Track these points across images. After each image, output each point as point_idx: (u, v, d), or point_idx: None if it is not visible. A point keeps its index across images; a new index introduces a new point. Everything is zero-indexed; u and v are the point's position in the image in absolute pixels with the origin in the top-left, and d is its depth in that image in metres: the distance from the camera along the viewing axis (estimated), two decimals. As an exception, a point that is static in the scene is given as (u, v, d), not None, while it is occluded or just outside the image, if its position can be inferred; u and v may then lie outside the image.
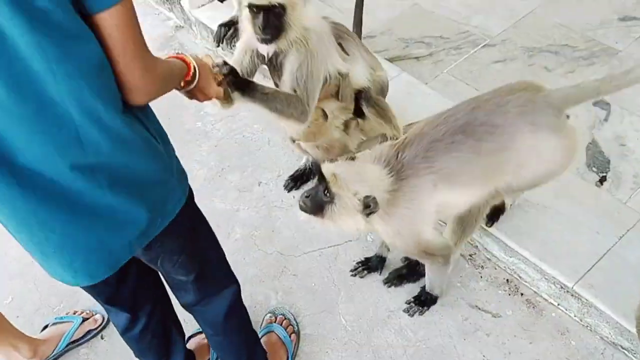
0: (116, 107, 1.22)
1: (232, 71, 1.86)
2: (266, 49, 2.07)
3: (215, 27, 2.76)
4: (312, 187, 1.85)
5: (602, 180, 2.74)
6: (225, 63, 1.81)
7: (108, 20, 1.14)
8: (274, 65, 2.14)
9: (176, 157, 1.51)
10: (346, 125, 2.43)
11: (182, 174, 1.53)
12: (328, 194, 1.77)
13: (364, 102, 2.41)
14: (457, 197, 1.85)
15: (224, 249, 1.81)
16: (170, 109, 3.27)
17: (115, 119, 1.22)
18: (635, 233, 2.08)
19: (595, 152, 2.87)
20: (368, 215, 1.77)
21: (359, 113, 2.44)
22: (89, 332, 2.36)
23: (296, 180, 2.86)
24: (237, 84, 1.95)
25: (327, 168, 1.79)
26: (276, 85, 2.22)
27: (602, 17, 3.62)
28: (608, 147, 2.87)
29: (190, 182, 2.82)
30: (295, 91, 2.07)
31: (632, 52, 3.36)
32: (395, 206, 1.80)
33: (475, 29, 3.69)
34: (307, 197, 1.82)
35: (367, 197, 1.75)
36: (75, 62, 1.11)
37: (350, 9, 3.00)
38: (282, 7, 1.94)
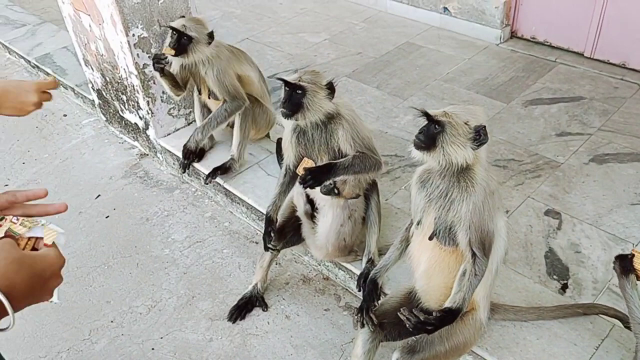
0: None
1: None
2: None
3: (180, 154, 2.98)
4: (420, 130, 1.89)
5: (564, 287, 2.85)
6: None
7: None
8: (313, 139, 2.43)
9: None
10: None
11: None
12: (438, 126, 1.83)
13: None
14: None
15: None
16: (137, 237, 3.25)
17: None
18: (610, 341, 2.15)
19: (554, 260, 3.00)
20: (478, 146, 1.84)
21: None
22: None
23: (241, 309, 2.80)
24: (318, 177, 2.29)
25: (432, 111, 1.87)
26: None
27: (541, 133, 3.94)
28: (565, 255, 3.02)
29: (158, 312, 2.80)
30: (359, 152, 2.38)
31: (572, 164, 3.64)
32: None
33: (427, 147, 3.91)
34: (420, 133, 1.87)
35: (478, 125, 1.83)
36: None
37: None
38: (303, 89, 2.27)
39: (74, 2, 3.47)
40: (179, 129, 3.67)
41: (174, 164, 3.64)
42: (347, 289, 2.87)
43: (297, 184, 2.52)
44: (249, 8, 6.19)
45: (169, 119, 3.59)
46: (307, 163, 2.37)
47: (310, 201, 2.57)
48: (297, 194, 2.57)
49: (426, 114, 1.86)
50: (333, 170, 2.33)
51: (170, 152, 3.56)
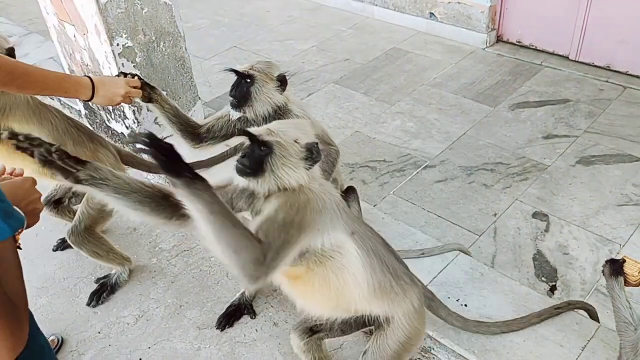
0: None
1: None
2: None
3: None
4: (244, 151, 1.65)
5: (553, 289, 2.86)
6: None
7: None
8: None
9: None
10: None
11: None
12: (265, 147, 1.61)
13: None
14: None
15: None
16: (125, 247, 3.23)
17: None
18: (596, 342, 2.15)
19: (542, 262, 3.01)
20: (311, 165, 1.64)
21: None
22: None
23: (230, 317, 2.78)
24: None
25: (257, 130, 1.65)
26: None
27: (529, 137, 3.96)
28: (553, 257, 3.02)
29: (146, 322, 2.78)
30: None
31: (559, 166, 3.65)
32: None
33: (416, 152, 3.93)
34: (243, 157, 1.62)
35: (309, 143, 1.65)
36: None
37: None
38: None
39: (58, 12, 3.47)
40: (166, 138, 3.65)
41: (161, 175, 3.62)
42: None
43: None
44: (237, 16, 6.20)
45: (156, 127, 3.58)
46: None
47: None
48: None
49: (251, 138, 1.62)
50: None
51: (157, 161, 3.55)
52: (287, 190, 1.64)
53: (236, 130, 2.40)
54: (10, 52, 2.42)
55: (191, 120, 2.47)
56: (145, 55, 3.33)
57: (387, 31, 5.61)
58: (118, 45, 3.20)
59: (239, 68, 2.24)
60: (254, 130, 1.64)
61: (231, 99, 2.25)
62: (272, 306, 2.84)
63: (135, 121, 3.49)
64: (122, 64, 3.26)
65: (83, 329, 2.81)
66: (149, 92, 2.38)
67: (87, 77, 2.14)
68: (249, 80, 2.21)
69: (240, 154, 1.64)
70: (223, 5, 6.47)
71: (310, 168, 1.65)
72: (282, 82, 2.25)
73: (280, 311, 2.81)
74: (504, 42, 5.14)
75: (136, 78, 2.34)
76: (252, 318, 2.78)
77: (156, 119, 3.55)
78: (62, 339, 2.77)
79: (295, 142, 1.64)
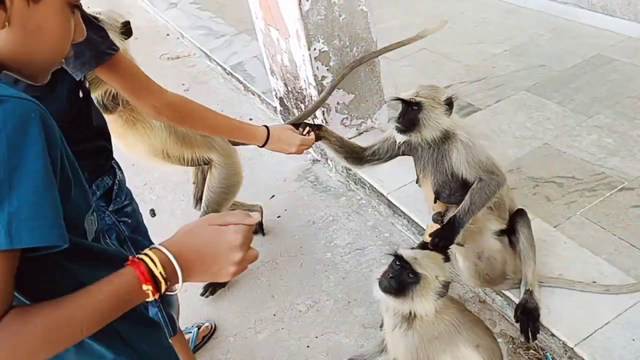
0: None
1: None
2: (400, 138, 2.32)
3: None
4: (391, 269, 1.93)
5: None
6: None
7: None
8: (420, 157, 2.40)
9: None
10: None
11: None
12: (413, 275, 1.89)
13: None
14: None
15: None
16: (303, 238, 3.47)
17: None
18: None
19: None
20: (440, 297, 1.94)
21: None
22: (204, 337, 2.95)
23: None
24: (447, 238, 2.25)
25: (406, 252, 1.95)
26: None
27: None
28: None
29: (316, 312, 2.96)
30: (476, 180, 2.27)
31: None
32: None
33: (611, 171, 3.60)
34: (391, 277, 1.91)
35: (445, 281, 1.93)
36: None
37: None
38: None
39: (265, 17, 3.80)
40: (350, 139, 3.81)
41: (342, 171, 3.81)
42: (503, 316, 2.77)
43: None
44: (429, 17, 6.18)
45: (342, 128, 3.77)
46: (431, 228, 2.31)
47: None
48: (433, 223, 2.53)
49: (401, 260, 1.92)
50: (456, 222, 2.24)
51: (340, 159, 3.74)
52: (416, 317, 1.96)
53: (400, 152, 2.46)
54: (126, 25, 2.50)
55: (355, 146, 2.56)
56: (339, 60, 3.51)
57: (591, 36, 5.16)
58: (315, 49, 3.42)
59: (404, 96, 2.23)
60: (404, 252, 1.94)
61: (397, 124, 2.24)
62: (437, 316, 2.85)
63: (324, 121, 3.71)
64: (317, 67, 3.48)
65: (260, 309, 3.09)
66: (317, 132, 2.44)
67: (265, 126, 2.22)
68: (415, 107, 2.19)
69: (389, 274, 1.92)
70: (416, 7, 6.49)
71: (438, 299, 1.94)
72: (449, 104, 2.22)
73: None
74: None
75: (312, 135, 2.34)
76: (416, 325, 2.81)
77: (342, 119, 3.76)
78: (215, 325, 3.04)
79: (436, 277, 1.92)
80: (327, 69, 3.51)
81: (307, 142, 2.29)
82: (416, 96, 2.20)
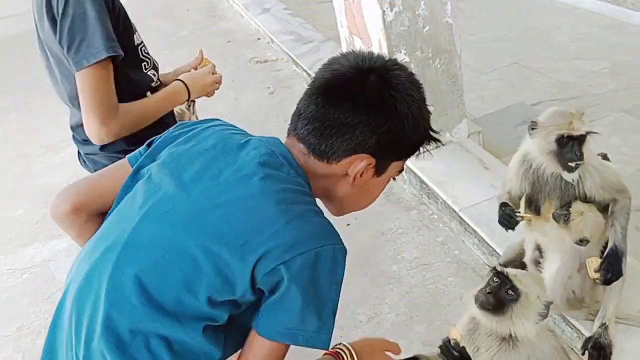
0: None
1: None
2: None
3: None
4: (489, 285, 1.81)
5: None
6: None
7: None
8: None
9: None
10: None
11: None
12: (513, 292, 1.77)
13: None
14: None
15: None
16: (370, 248, 3.45)
17: None
18: None
19: None
20: (541, 320, 1.80)
21: None
22: None
23: None
24: (617, 272, 2.20)
25: (510, 272, 1.83)
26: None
27: None
28: None
29: (377, 324, 2.93)
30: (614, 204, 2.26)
31: None
32: None
33: None
34: (488, 293, 1.78)
35: (547, 302, 1.80)
36: None
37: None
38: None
39: (350, 26, 3.83)
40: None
41: (416, 183, 3.74)
42: (572, 348, 2.61)
43: (526, 230, 2.39)
44: (523, 31, 5.96)
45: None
46: (592, 262, 2.25)
47: (538, 247, 2.41)
48: (527, 240, 2.43)
49: (500, 276, 1.80)
50: (619, 251, 2.18)
51: (414, 173, 3.68)
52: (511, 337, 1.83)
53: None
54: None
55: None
56: (420, 71, 3.46)
57: (703, 56, 4.78)
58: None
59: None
60: (508, 271, 1.82)
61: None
62: (501, 342, 2.74)
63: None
64: (397, 78, 3.45)
65: (322, 315, 3.10)
66: None
67: (177, 80, 2.15)
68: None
69: (486, 289, 1.79)
70: (511, 19, 6.27)
71: (540, 321, 1.80)
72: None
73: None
74: None
75: (218, 74, 2.32)
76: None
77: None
78: None
79: (538, 297, 1.79)
80: (405, 80, 3.47)
81: (218, 79, 2.28)
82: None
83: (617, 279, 2.19)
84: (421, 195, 3.72)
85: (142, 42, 2.09)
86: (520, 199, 2.43)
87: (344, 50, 4.14)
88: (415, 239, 3.48)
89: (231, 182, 1.25)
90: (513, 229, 2.40)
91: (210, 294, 1.20)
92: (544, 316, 1.79)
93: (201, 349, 1.24)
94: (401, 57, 3.39)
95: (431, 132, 1.38)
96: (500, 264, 2.48)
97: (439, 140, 1.41)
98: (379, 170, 1.34)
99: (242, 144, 1.34)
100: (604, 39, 5.45)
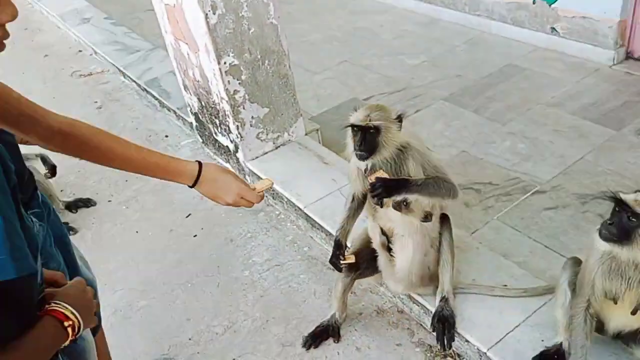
0: None
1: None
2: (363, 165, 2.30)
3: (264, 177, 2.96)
4: (611, 218, 1.80)
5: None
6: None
7: None
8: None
9: None
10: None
11: None
12: (635, 218, 1.74)
13: None
14: None
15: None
16: (220, 257, 3.35)
17: None
18: None
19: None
20: None
21: None
22: None
23: (317, 337, 2.75)
24: (388, 190, 2.19)
25: (627, 197, 1.78)
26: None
27: (657, 164, 3.57)
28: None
29: (234, 333, 2.84)
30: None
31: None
32: None
33: (525, 175, 3.69)
34: (610, 224, 1.78)
35: None
36: None
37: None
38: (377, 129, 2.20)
39: (174, 31, 3.68)
40: (267, 153, 3.74)
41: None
42: (421, 324, 2.74)
43: (369, 218, 2.46)
44: (350, 30, 6.23)
45: (257, 142, 3.68)
46: (381, 174, 2.25)
47: (384, 233, 2.49)
48: (372, 226, 2.50)
49: (620, 204, 1.76)
50: (406, 186, 2.23)
51: (257, 174, 3.64)
52: None
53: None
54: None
55: (350, 214, 2.57)
56: (250, 73, 3.44)
57: (504, 46, 5.34)
58: (225, 63, 3.33)
59: (356, 121, 2.21)
60: (625, 197, 1.77)
61: (359, 152, 2.22)
62: (355, 329, 2.79)
63: (239, 135, 3.61)
64: (228, 81, 3.39)
65: (175, 334, 2.94)
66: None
67: (198, 162, 1.83)
68: (372, 131, 2.20)
69: (608, 221, 1.80)
70: (337, 20, 6.53)
71: None
72: (400, 120, 2.24)
73: (364, 336, 2.75)
74: (634, 59, 4.69)
75: (261, 193, 1.87)
76: (335, 342, 2.74)
77: (258, 134, 3.67)
78: None
79: None
80: (239, 83, 3.42)
81: (248, 196, 1.80)
82: (370, 120, 2.19)
83: (380, 196, 2.21)
84: (266, 196, 3.69)
85: None
86: (365, 197, 2.50)
87: (172, 57, 3.99)
88: (265, 241, 3.44)
89: None
90: (340, 270, 2.59)
91: None
92: None
93: None
94: (230, 60, 3.33)
95: None
96: (350, 254, 2.55)
97: None
98: None
99: None
100: (421, 34, 5.88)
